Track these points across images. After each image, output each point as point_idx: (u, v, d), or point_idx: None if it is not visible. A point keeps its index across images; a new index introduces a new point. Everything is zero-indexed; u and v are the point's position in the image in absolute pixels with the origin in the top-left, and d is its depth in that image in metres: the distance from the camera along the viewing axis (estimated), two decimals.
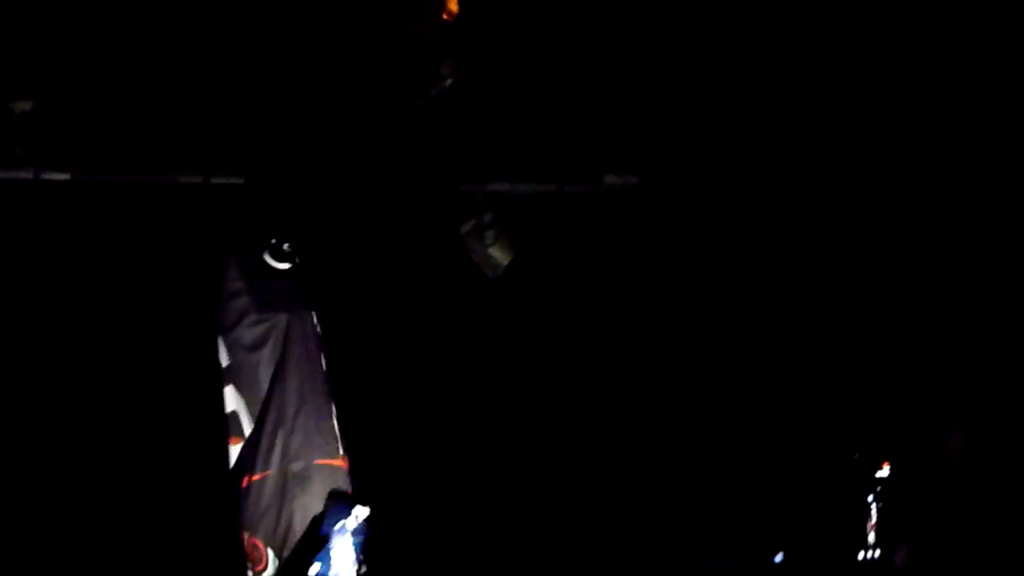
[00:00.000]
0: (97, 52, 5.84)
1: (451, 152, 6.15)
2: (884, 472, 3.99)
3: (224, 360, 5.21)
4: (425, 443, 5.87)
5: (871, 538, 3.92)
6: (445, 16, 5.99)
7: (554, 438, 6.06)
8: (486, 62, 6.12)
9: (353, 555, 4.39)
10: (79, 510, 5.69)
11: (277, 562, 4.96)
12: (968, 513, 4.25)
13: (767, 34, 6.23)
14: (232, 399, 5.19)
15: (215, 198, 5.91)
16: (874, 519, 3.93)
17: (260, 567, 5.00)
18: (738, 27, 6.23)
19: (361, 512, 4.26)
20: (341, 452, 5.10)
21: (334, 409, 5.19)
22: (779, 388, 6.07)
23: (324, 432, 5.11)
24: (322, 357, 5.23)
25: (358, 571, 4.37)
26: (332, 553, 4.31)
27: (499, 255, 6.01)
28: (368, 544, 4.25)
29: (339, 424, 5.19)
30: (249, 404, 5.12)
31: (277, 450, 4.99)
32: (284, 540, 4.92)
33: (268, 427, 5.01)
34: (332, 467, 5.09)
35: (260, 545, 4.95)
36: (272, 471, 4.99)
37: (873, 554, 3.90)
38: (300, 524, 4.89)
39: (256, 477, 4.97)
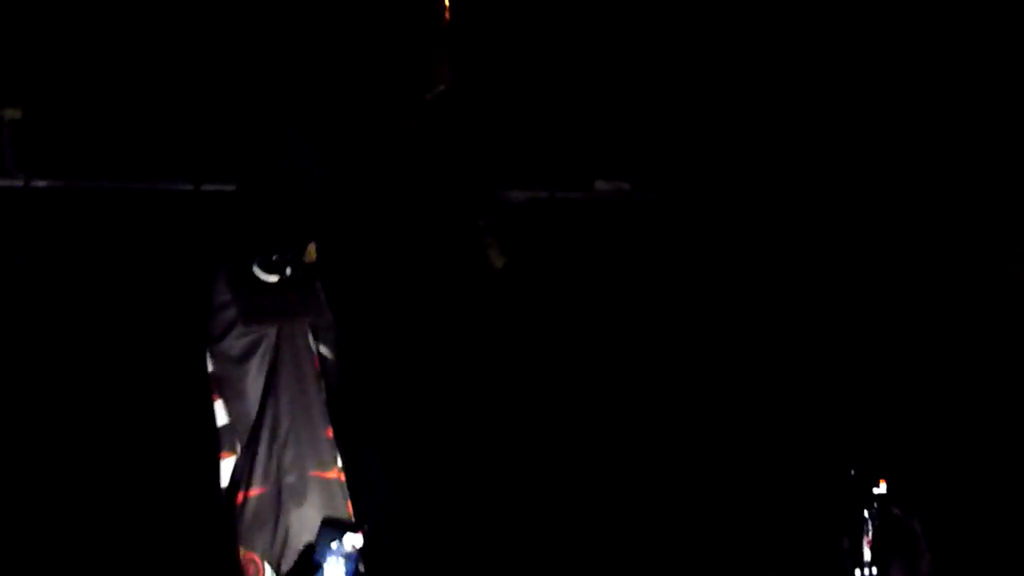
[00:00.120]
0: (87, 59, 5.81)
1: (444, 159, 6.14)
2: (880, 488, 3.99)
3: (211, 371, 5.18)
4: (421, 454, 5.86)
5: (867, 555, 3.93)
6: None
7: (549, 448, 6.05)
8: (478, 68, 6.12)
9: None
10: (69, 525, 5.66)
11: None
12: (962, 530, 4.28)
13: (759, 41, 6.23)
14: (219, 412, 5.17)
15: (206, 205, 5.90)
16: (870, 535, 3.94)
17: None
18: (730, 34, 6.24)
19: (355, 539, 4.24)
20: (338, 464, 5.09)
21: (328, 421, 5.16)
22: (773, 401, 6.08)
23: (318, 444, 5.09)
24: (314, 368, 5.21)
25: None
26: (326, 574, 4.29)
27: (492, 260, 6.01)
28: (362, 568, 4.23)
29: (335, 436, 5.16)
30: (235, 417, 5.09)
31: (272, 464, 4.97)
32: (281, 554, 4.91)
33: (262, 441, 4.98)
34: (327, 479, 5.08)
35: (257, 560, 4.93)
36: (268, 486, 4.97)
37: (870, 571, 3.91)
38: (296, 537, 4.88)
39: (252, 492, 4.95)
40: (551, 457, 6.06)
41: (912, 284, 6.13)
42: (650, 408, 6.15)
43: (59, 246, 5.89)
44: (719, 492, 5.03)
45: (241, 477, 5.02)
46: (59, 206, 5.89)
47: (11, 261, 5.83)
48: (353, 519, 4.92)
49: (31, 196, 5.83)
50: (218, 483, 5.11)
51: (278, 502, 4.98)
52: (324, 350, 5.31)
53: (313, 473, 5.06)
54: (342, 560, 4.26)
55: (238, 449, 5.09)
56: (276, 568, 4.96)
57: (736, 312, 6.23)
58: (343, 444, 5.13)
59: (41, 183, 5.85)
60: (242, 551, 5.01)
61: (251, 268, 5.10)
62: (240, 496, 5.00)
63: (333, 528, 4.31)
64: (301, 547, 4.88)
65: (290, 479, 5.00)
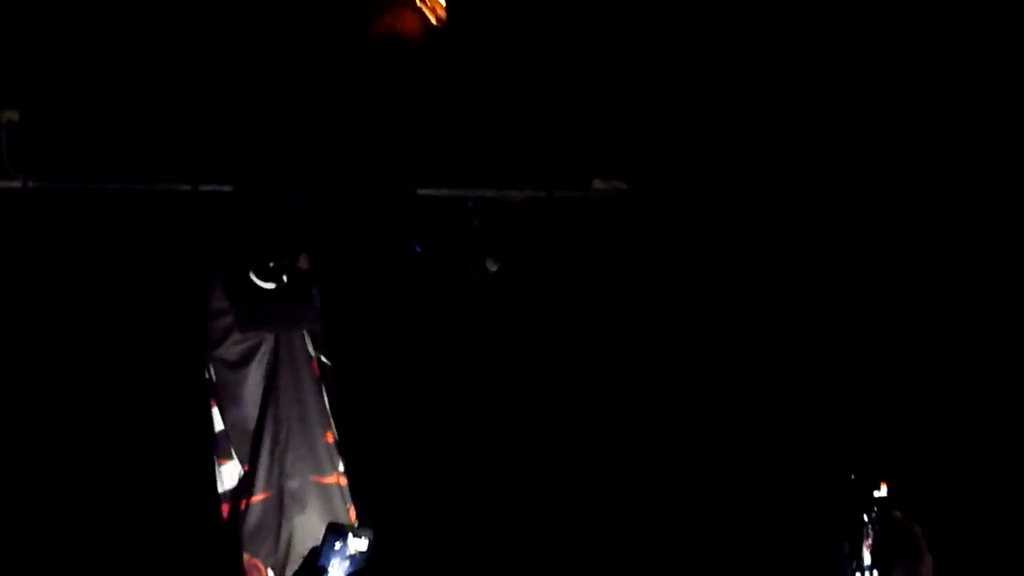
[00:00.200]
0: (85, 61, 5.80)
1: (440, 159, 6.14)
2: (881, 492, 4.00)
3: (211, 378, 5.17)
4: (422, 457, 5.87)
5: (868, 559, 3.95)
6: (434, 22, 5.97)
7: (548, 448, 6.05)
8: (474, 68, 6.11)
9: None
10: (70, 530, 5.65)
11: None
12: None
13: (755, 41, 6.23)
14: (216, 417, 5.16)
15: (204, 207, 5.89)
16: (871, 539, 3.95)
17: None
18: (726, 34, 6.23)
19: (359, 543, 4.25)
20: (340, 469, 5.09)
21: (329, 426, 5.16)
22: (772, 402, 6.09)
23: (318, 450, 5.09)
24: (312, 374, 5.20)
25: None
26: None
27: (488, 261, 6.01)
28: (366, 570, 4.24)
29: (338, 440, 5.16)
30: (232, 422, 5.08)
31: (274, 470, 4.97)
32: (284, 560, 4.91)
33: (264, 447, 4.98)
34: (327, 485, 5.08)
35: (260, 566, 4.94)
36: (268, 491, 4.97)
37: (871, 574, 3.93)
38: (299, 543, 4.88)
39: (254, 499, 4.95)
40: (550, 457, 6.06)
41: (912, 285, 6.13)
42: (648, 407, 6.15)
43: (57, 247, 5.88)
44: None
45: (243, 483, 5.00)
46: (57, 207, 5.88)
47: (9, 262, 5.82)
48: (355, 523, 4.91)
49: (29, 197, 5.81)
50: (215, 489, 5.10)
51: (280, 508, 4.98)
52: (323, 355, 5.30)
53: (313, 479, 5.05)
54: (347, 563, 4.27)
55: (234, 455, 5.07)
56: (279, 573, 4.96)
57: (735, 312, 6.23)
58: (344, 448, 5.12)
59: (39, 184, 5.84)
60: (245, 557, 5.00)
61: (248, 274, 5.07)
62: (243, 502, 4.99)
63: (337, 532, 4.31)
64: (302, 552, 4.88)
65: (292, 484, 5.00)
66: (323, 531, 4.54)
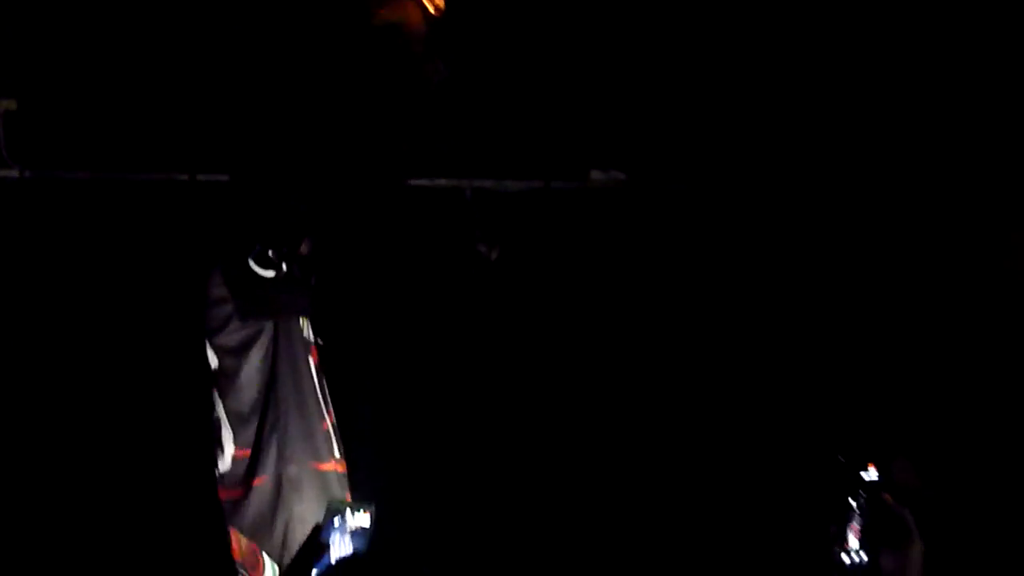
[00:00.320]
0: (82, 50, 5.82)
1: (437, 149, 6.14)
2: (870, 474, 3.97)
3: (212, 364, 5.17)
4: (421, 442, 5.88)
5: (855, 543, 3.91)
6: (432, 11, 5.98)
7: (546, 434, 6.07)
8: (472, 58, 6.11)
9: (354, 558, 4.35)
10: (68, 515, 5.67)
11: (274, 567, 4.95)
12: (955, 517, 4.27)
13: (755, 30, 6.22)
14: (216, 403, 5.16)
15: (202, 196, 5.91)
16: (858, 523, 3.92)
17: (256, 573, 4.98)
18: (726, 21, 6.22)
19: (361, 518, 4.24)
20: (337, 455, 5.08)
21: (329, 412, 5.15)
22: (763, 386, 6.08)
23: (317, 436, 5.07)
24: (311, 360, 5.20)
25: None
26: (332, 558, 4.29)
27: (485, 251, 6.02)
28: (369, 547, 4.22)
29: (335, 427, 5.16)
30: (232, 407, 5.08)
31: (272, 456, 4.96)
32: (282, 546, 4.89)
33: (263, 434, 4.97)
34: (327, 471, 5.07)
35: (257, 551, 4.93)
36: (267, 476, 4.96)
37: (859, 558, 3.89)
38: (298, 529, 4.86)
39: (253, 483, 4.95)
40: (546, 446, 6.07)
41: (904, 269, 6.12)
42: (644, 399, 6.15)
43: (54, 237, 5.90)
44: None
45: (243, 468, 5.00)
46: (54, 197, 5.90)
47: (6, 252, 5.84)
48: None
49: (26, 187, 5.83)
50: (215, 474, 5.10)
51: (278, 493, 4.97)
52: (321, 341, 5.30)
53: (311, 465, 5.05)
54: (348, 539, 4.26)
55: (234, 441, 5.07)
56: (276, 560, 4.95)
57: (731, 302, 6.22)
58: (343, 434, 5.12)
59: (36, 174, 5.86)
60: (244, 542, 5.00)
61: (247, 262, 5.06)
62: (241, 488, 4.99)
63: (338, 509, 4.30)
64: (300, 538, 4.87)
65: (291, 471, 4.99)
66: (322, 515, 4.55)
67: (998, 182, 6.10)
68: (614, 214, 6.33)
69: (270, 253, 5.05)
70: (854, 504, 3.96)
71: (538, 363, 6.17)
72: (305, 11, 5.92)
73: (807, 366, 6.04)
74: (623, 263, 6.31)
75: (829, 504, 3.92)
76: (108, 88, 5.88)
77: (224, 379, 5.07)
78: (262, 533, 4.97)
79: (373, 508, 4.30)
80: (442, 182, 6.18)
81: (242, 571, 5.01)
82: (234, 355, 5.05)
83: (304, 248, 5.19)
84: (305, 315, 5.19)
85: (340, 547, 4.25)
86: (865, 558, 3.91)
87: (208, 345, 5.09)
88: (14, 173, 5.84)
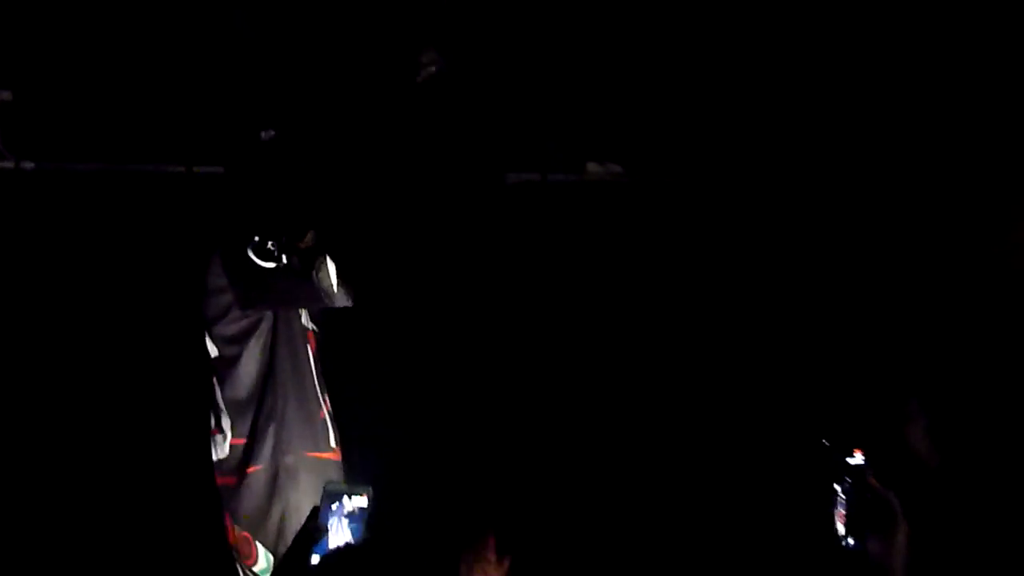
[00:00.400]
0: (77, 40, 5.83)
1: (435, 141, 6.14)
2: (856, 459, 3.94)
3: (211, 353, 5.17)
4: (417, 432, 5.88)
5: (840, 529, 3.88)
6: None
7: (542, 422, 6.07)
8: (468, 50, 6.12)
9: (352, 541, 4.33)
10: (64, 503, 5.68)
11: (269, 557, 4.94)
12: (946, 503, 4.24)
13: (752, 24, 6.21)
14: (217, 392, 5.16)
15: (199, 187, 5.92)
16: (844, 509, 3.89)
17: (250, 562, 4.98)
18: (725, 14, 6.21)
19: (358, 500, 4.22)
20: (333, 444, 5.07)
21: (325, 401, 5.14)
22: (759, 377, 6.07)
23: (315, 425, 5.07)
24: (310, 348, 5.19)
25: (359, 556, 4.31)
26: (331, 541, 4.28)
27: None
28: (367, 529, 4.21)
29: (332, 415, 5.15)
30: (231, 397, 5.07)
31: (268, 445, 4.95)
32: (276, 535, 4.89)
33: (259, 422, 4.96)
34: (323, 460, 5.06)
35: (250, 539, 4.92)
36: (262, 465, 4.95)
37: (845, 543, 3.86)
38: (294, 519, 4.85)
39: (248, 471, 4.94)
40: (542, 433, 6.06)
41: (903, 259, 6.10)
42: (641, 393, 6.13)
43: (50, 228, 5.91)
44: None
45: (239, 457, 5.00)
46: (50, 188, 5.91)
47: (3, 243, 5.85)
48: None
49: (21, 178, 5.85)
50: (211, 462, 5.10)
51: (274, 482, 4.96)
52: (319, 329, 5.29)
53: (310, 454, 5.04)
54: (347, 521, 4.25)
55: (232, 428, 5.06)
56: (270, 549, 4.94)
57: (727, 293, 6.21)
58: (338, 422, 5.11)
59: (31, 165, 5.87)
60: (237, 530, 4.99)
61: (246, 253, 5.05)
62: (236, 476, 4.98)
63: (335, 492, 4.29)
64: (296, 527, 4.85)
65: (288, 460, 4.98)
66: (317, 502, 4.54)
67: (998, 176, 6.08)
68: (611, 207, 6.32)
69: (270, 244, 5.02)
70: (839, 489, 3.94)
71: (535, 353, 6.16)
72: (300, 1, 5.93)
73: (803, 357, 6.02)
74: (620, 256, 6.29)
75: (814, 490, 3.90)
76: (104, 80, 5.89)
77: (224, 368, 5.06)
78: (256, 522, 4.96)
79: (371, 490, 4.28)
80: (441, 174, 6.17)
81: (237, 559, 5.00)
82: (234, 344, 5.05)
83: (309, 240, 5.17)
84: (308, 306, 5.18)
85: (338, 530, 4.24)
86: (852, 543, 3.88)
87: (207, 334, 5.09)
88: (10, 164, 5.85)
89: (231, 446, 5.00)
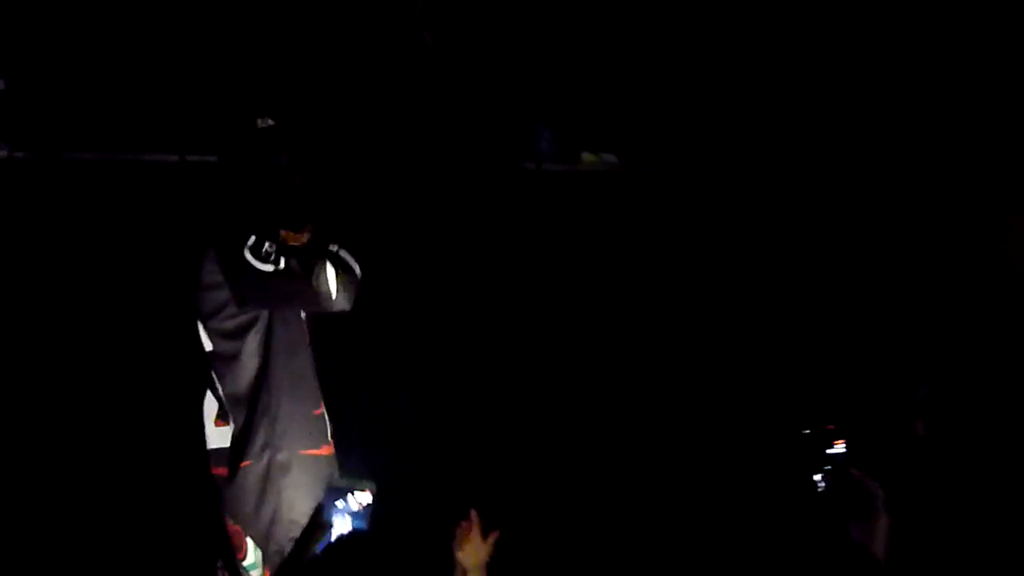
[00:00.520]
0: (70, 30, 5.84)
1: (430, 133, 6.14)
2: (838, 449, 3.92)
3: (206, 347, 5.15)
4: (413, 429, 5.87)
5: (825, 516, 3.87)
6: None
7: (539, 414, 6.07)
8: (464, 40, 6.11)
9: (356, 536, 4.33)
10: (57, 497, 5.69)
11: (258, 552, 4.93)
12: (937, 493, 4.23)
13: (748, 13, 6.20)
14: (215, 385, 5.14)
15: (192, 177, 5.91)
16: (827, 499, 3.88)
17: (240, 555, 4.96)
18: (722, 6, 6.20)
19: (362, 496, 4.22)
20: (328, 441, 5.05)
21: (321, 398, 5.13)
22: (755, 369, 6.06)
23: (310, 422, 5.03)
24: (305, 343, 5.17)
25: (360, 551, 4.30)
26: (332, 537, 4.28)
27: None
28: (369, 526, 4.21)
29: (327, 411, 5.14)
30: (228, 391, 5.06)
31: (260, 441, 4.93)
32: (267, 530, 4.86)
33: (253, 417, 4.95)
34: (317, 457, 5.03)
35: (241, 533, 4.91)
36: (252, 461, 4.94)
37: (827, 532, 3.85)
38: (286, 515, 4.82)
39: (242, 466, 4.93)
40: (538, 427, 6.05)
41: (901, 252, 6.09)
42: (633, 381, 6.12)
43: (42, 218, 5.92)
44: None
45: (232, 451, 4.98)
46: (43, 177, 5.91)
47: None
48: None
49: (14, 167, 5.85)
50: (206, 455, 5.10)
51: (266, 478, 4.94)
52: (316, 324, 5.27)
53: (303, 451, 5.02)
54: (350, 518, 4.25)
55: (230, 421, 5.05)
56: (260, 544, 4.93)
57: (721, 283, 6.19)
58: (333, 419, 5.10)
59: (24, 154, 5.88)
60: (229, 523, 4.98)
61: (243, 253, 4.99)
62: (230, 468, 4.97)
63: (339, 489, 4.29)
64: (288, 524, 4.84)
65: (281, 456, 4.96)
66: (311, 502, 4.53)
67: (997, 170, 6.07)
68: (605, 197, 6.32)
69: (267, 246, 4.94)
70: (819, 480, 3.93)
71: (531, 344, 6.15)
72: None
73: (792, 347, 6.01)
74: (615, 246, 6.28)
75: (793, 479, 3.88)
76: (97, 68, 5.90)
77: (222, 362, 5.02)
78: (248, 517, 4.93)
79: (374, 486, 4.28)
80: (437, 165, 6.17)
81: (228, 551, 4.99)
82: (231, 339, 5.00)
83: (307, 235, 5.13)
84: (306, 307, 5.14)
85: (342, 526, 4.24)
86: (834, 529, 3.88)
87: (202, 328, 5.06)
88: (3, 153, 5.85)
89: (227, 440, 4.99)
